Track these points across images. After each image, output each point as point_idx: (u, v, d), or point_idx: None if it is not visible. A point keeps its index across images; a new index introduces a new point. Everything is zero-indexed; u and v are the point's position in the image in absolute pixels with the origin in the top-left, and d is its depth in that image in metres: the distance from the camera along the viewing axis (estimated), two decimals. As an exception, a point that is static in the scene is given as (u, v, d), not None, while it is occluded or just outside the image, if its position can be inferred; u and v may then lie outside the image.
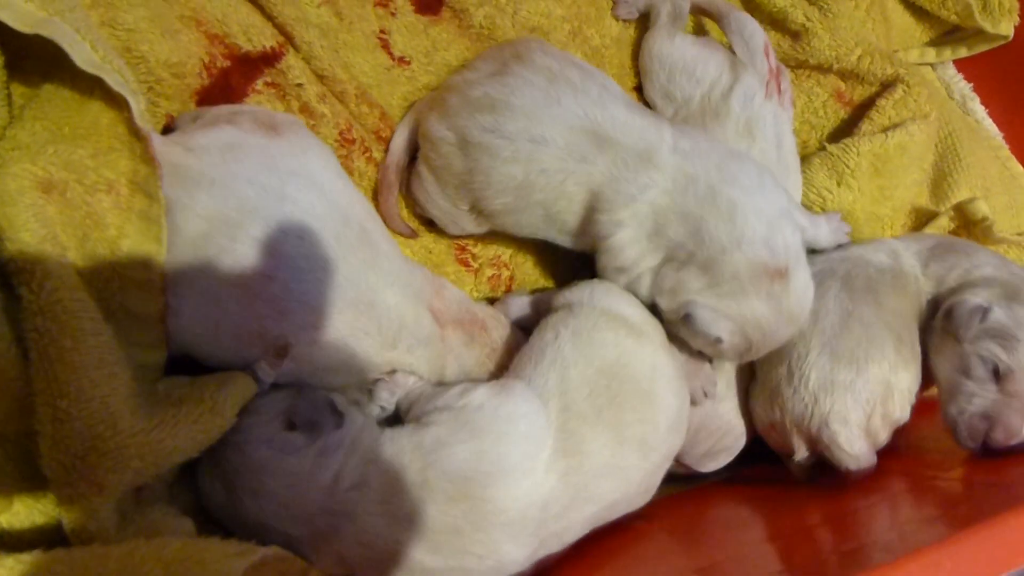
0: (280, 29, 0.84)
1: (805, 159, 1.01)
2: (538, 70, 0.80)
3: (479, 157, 0.79)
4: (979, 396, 0.81)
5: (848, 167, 0.97)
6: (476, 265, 0.94)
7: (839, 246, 0.92)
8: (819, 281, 0.85)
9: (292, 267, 0.66)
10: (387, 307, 0.72)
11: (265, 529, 0.63)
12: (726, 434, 0.91)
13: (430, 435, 0.67)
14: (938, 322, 0.87)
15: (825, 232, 0.89)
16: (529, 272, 0.97)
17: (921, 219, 1.10)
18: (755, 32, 0.93)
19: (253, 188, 0.66)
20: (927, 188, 1.09)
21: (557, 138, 0.77)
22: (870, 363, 0.82)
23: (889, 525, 0.68)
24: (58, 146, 0.61)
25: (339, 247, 0.69)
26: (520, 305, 0.90)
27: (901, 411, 0.84)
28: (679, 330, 0.80)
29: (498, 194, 0.80)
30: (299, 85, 0.84)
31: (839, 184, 0.98)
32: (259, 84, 0.84)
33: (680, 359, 0.82)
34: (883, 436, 0.83)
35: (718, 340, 0.77)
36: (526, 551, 0.65)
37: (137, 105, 0.63)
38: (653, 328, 0.79)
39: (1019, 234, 1.06)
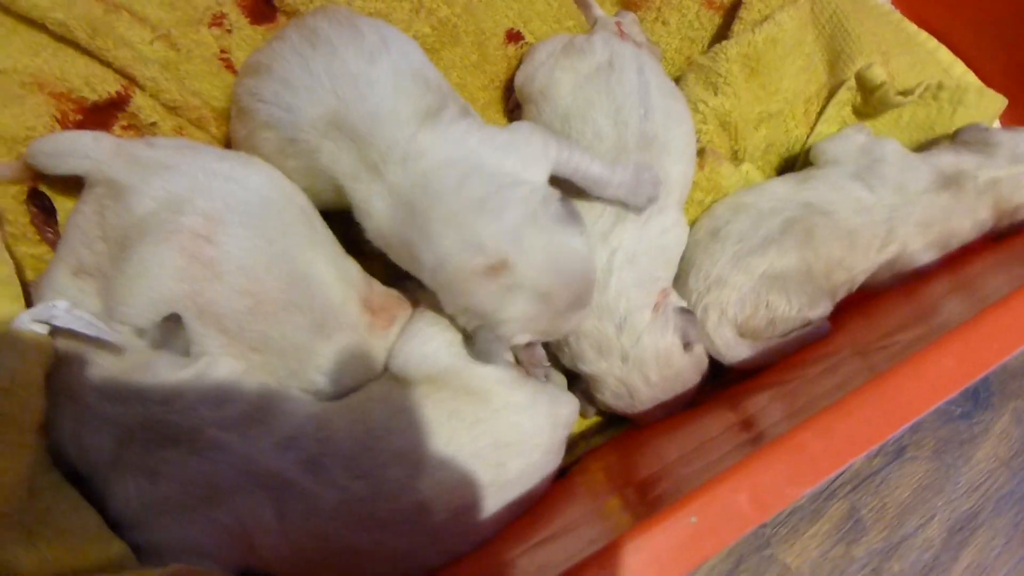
0: (121, 72, 0.84)
1: (681, 76, 0.99)
2: (304, 34, 0.76)
3: (246, 122, 0.78)
4: None
5: (720, 75, 0.95)
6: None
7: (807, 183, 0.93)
8: (761, 217, 0.89)
9: (230, 233, 0.69)
10: (321, 283, 0.74)
11: None
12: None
13: None
14: None
15: (626, 181, 0.81)
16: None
17: (824, 102, 1.07)
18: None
19: (204, 172, 0.71)
20: (823, 70, 1.07)
21: (304, 110, 0.73)
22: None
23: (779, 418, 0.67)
24: None
25: (281, 222, 0.73)
26: None
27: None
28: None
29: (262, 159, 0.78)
30: (152, 124, 0.85)
31: (716, 93, 0.96)
32: (116, 130, 0.85)
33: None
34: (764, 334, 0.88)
35: (519, 346, 0.75)
36: None
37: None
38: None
39: (902, 93, 1.02)
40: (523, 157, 0.75)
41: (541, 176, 0.76)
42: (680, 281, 0.90)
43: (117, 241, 0.69)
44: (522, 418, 0.74)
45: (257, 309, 0.70)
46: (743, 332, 0.89)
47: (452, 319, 0.76)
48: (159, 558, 0.63)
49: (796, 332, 0.90)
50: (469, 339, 0.75)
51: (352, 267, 0.78)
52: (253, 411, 0.69)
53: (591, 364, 0.84)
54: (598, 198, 0.82)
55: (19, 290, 0.69)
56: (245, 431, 0.67)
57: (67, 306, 0.64)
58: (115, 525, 0.65)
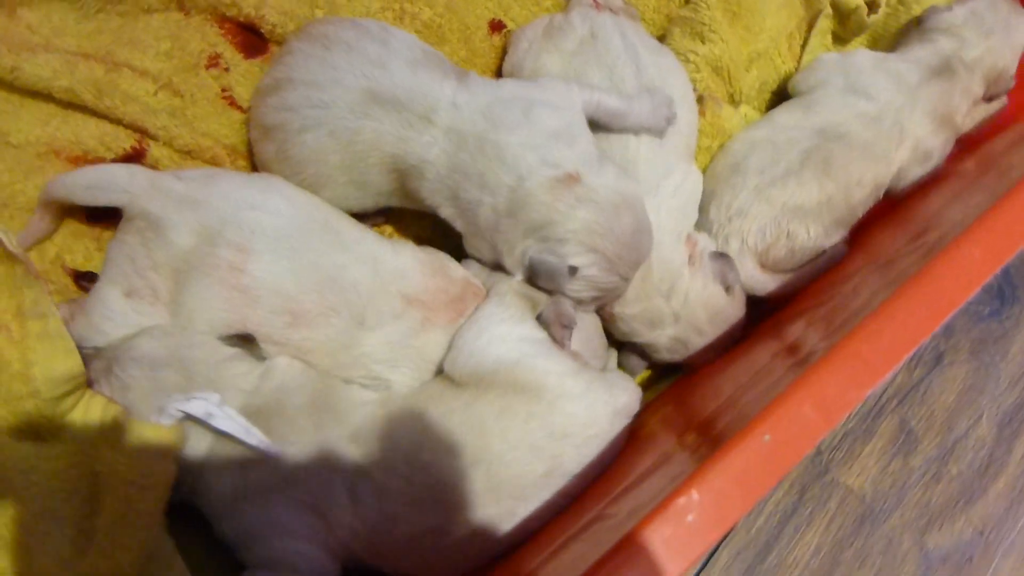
0: (132, 127, 0.87)
1: (666, 32, 1.02)
2: (314, 40, 0.82)
3: (276, 137, 0.82)
4: None
5: (704, 23, 0.98)
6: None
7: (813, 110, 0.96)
8: (778, 150, 0.92)
9: (259, 260, 0.74)
10: (352, 282, 0.77)
11: None
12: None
13: None
14: None
15: (644, 109, 0.85)
16: (409, 224, 0.97)
17: (805, 34, 1.10)
18: None
19: (227, 202, 0.76)
20: (800, 3, 1.08)
21: (338, 100, 0.79)
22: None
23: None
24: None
25: (303, 238, 0.77)
26: None
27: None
28: (540, 283, 0.79)
29: (301, 166, 0.82)
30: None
31: (703, 42, 0.98)
32: (137, 184, 0.88)
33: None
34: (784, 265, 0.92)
35: (573, 269, 0.77)
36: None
37: (8, 236, 0.68)
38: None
39: (870, 4, 1.05)
40: (559, 94, 0.81)
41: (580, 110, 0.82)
42: (701, 215, 0.94)
43: (170, 273, 0.74)
44: (577, 408, 0.75)
45: (296, 322, 0.75)
46: (764, 263, 0.92)
47: (502, 256, 0.79)
48: (247, 545, 0.68)
49: (811, 264, 0.93)
50: (532, 276, 0.78)
51: (400, 262, 0.80)
52: (318, 401, 0.73)
53: (645, 337, 0.88)
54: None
55: (71, 343, 0.71)
56: (317, 420, 0.72)
57: (219, 399, 0.69)
58: (209, 518, 0.70)
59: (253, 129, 0.86)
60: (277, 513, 0.69)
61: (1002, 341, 1.22)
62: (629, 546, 0.51)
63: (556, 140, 0.77)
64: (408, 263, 0.81)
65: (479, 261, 0.84)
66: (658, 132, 0.87)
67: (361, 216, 0.85)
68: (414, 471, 0.71)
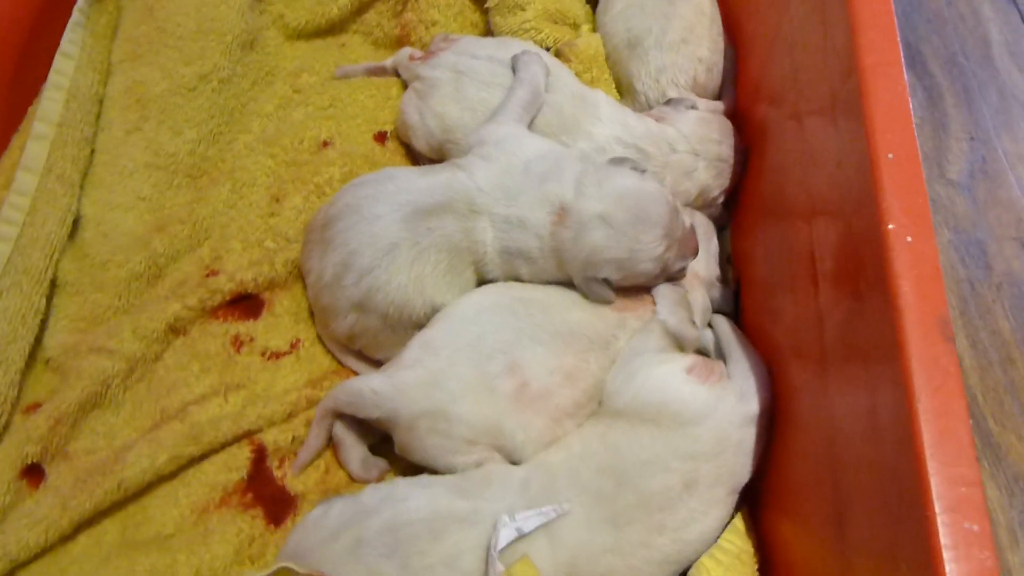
0: (237, 439, 0.90)
1: (491, 25, 1.15)
2: (344, 214, 0.89)
3: (375, 299, 0.88)
4: None
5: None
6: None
7: None
8: (646, 11, 1.09)
9: (528, 364, 0.84)
10: (578, 322, 0.87)
11: None
12: None
13: None
14: None
15: (535, 73, 0.99)
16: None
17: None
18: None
19: (464, 348, 0.84)
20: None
21: (401, 235, 0.87)
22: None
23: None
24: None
25: (530, 322, 0.86)
26: None
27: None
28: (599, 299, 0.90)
29: (412, 303, 0.89)
30: (292, 440, 0.91)
31: (523, 9, 1.11)
32: (276, 472, 0.91)
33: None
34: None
35: (607, 281, 0.87)
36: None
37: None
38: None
39: None
40: (513, 129, 0.93)
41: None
42: (632, 94, 1.09)
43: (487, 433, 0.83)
44: (702, 430, 0.79)
45: (572, 381, 0.84)
46: (700, 93, 1.09)
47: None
48: None
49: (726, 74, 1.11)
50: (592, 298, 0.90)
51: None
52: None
53: (694, 184, 1.02)
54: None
55: None
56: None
57: (507, 519, 0.76)
58: None
59: (348, 314, 0.90)
60: None
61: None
62: (898, 307, 0.60)
63: (547, 182, 0.88)
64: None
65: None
66: (550, 72, 1.01)
67: None
68: (578, 493, 0.78)
